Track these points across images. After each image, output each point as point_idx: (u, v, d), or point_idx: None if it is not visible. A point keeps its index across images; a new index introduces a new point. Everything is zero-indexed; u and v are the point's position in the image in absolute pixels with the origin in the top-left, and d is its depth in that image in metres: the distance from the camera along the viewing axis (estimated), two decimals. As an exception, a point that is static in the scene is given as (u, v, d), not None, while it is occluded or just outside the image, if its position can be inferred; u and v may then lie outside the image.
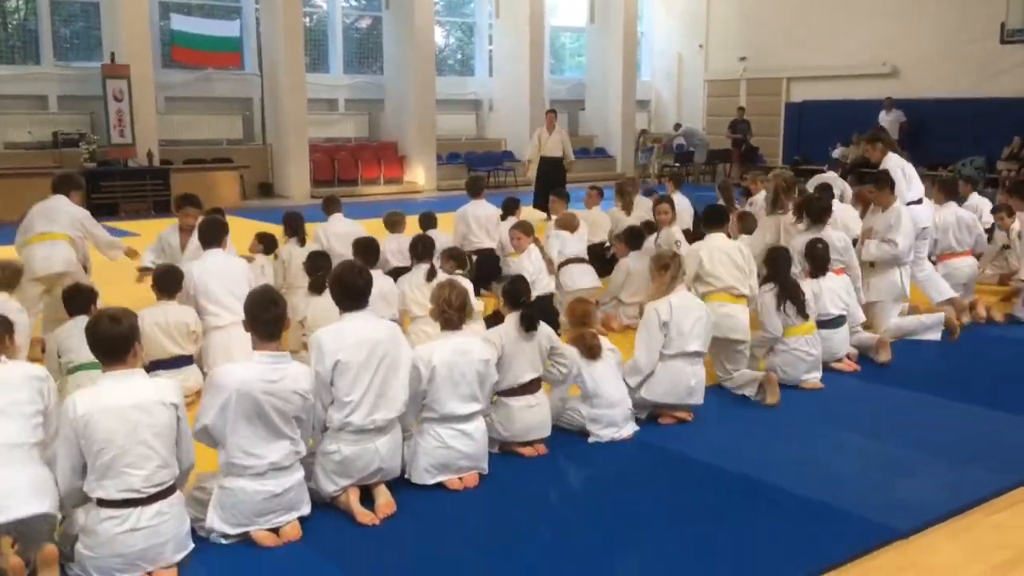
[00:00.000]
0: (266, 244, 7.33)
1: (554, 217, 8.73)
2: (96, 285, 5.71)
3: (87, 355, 4.80)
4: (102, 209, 13.90)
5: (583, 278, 7.52)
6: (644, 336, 5.14)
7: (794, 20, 20.46)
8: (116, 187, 14.40)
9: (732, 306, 5.81)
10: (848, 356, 6.25)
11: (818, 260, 6.20)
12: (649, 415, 5.17)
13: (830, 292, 6.15)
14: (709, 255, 5.97)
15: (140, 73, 15.02)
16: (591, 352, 4.89)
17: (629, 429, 4.92)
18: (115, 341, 3.46)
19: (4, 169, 14.03)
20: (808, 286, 6.00)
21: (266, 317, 3.77)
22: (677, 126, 21.58)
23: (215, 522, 3.70)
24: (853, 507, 4.03)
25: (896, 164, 7.49)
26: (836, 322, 6.16)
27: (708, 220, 6.40)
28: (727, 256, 5.98)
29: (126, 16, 14.97)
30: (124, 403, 3.38)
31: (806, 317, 5.81)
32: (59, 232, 6.67)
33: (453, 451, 4.26)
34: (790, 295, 5.75)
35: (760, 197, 8.60)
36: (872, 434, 5.03)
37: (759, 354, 5.92)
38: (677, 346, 5.10)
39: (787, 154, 21.42)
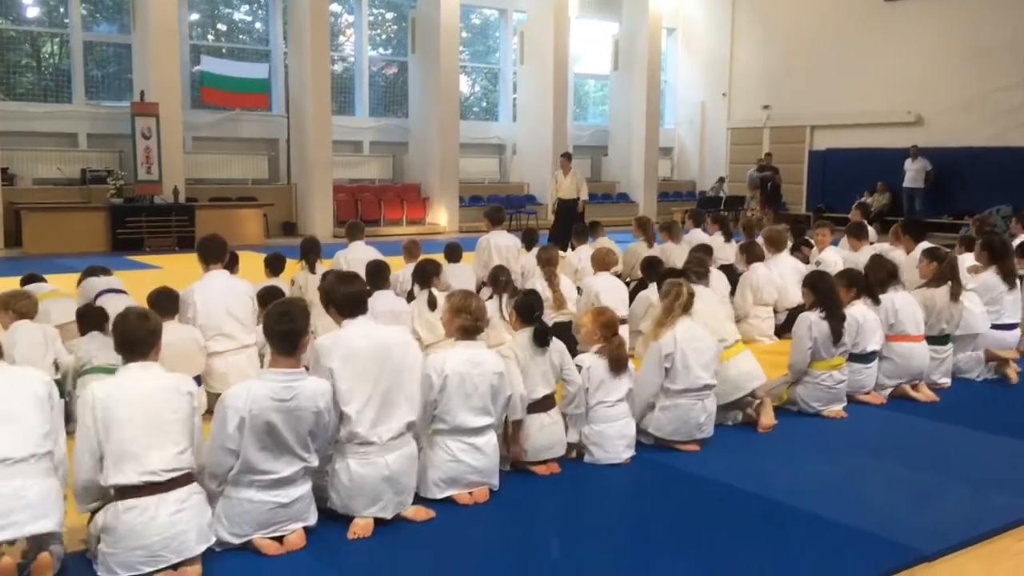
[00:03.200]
0: (274, 267, 7.31)
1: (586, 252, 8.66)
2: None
3: (103, 359, 4.97)
4: (127, 244, 14.11)
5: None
6: (643, 370, 4.98)
7: (817, 68, 20.55)
8: (141, 223, 14.54)
9: (738, 357, 5.41)
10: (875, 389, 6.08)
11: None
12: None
13: (874, 324, 5.94)
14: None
15: (169, 112, 15.27)
16: (619, 365, 4.71)
17: (627, 453, 4.75)
18: (142, 336, 3.53)
19: (33, 203, 14.26)
20: (855, 314, 5.79)
21: (279, 330, 3.67)
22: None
23: (220, 532, 3.59)
24: (876, 529, 3.87)
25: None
26: (869, 357, 5.96)
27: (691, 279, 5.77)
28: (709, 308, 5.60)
29: (157, 58, 15.26)
30: (142, 389, 3.41)
31: (838, 342, 5.60)
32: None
33: (463, 465, 4.15)
34: (832, 325, 5.55)
35: (830, 254, 8.47)
36: (897, 460, 4.87)
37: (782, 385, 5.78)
38: (684, 382, 4.93)
39: (810, 202, 21.38)
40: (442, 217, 18.72)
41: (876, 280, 6.21)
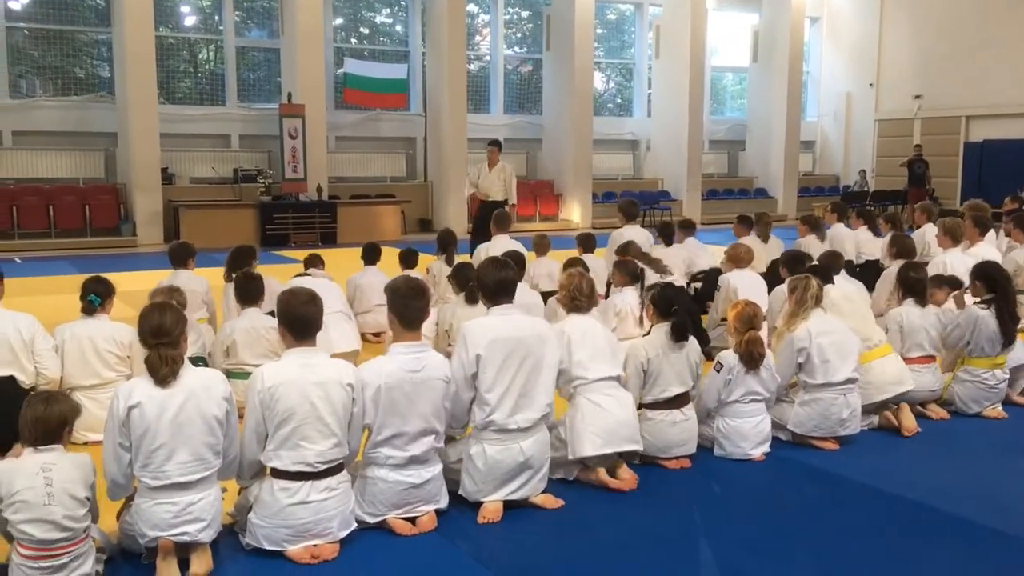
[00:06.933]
0: (408, 261, 7.49)
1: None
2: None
3: (246, 358, 5.23)
4: (274, 239, 14.76)
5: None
6: (777, 363, 4.80)
7: (973, 54, 19.39)
8: (288, 219, 15.19)
9: (883, 359, 5.15)
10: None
11: None
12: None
13: None
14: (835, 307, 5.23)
15: (314, 114, 15.91)
16: (752, 362, 4.60)
17: (760, 450, 4.64)
18: (308, 319, 3.61)
19: (190, 201, 15.13)
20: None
21: (414, 306, 3.78)
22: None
23: (356, 511, 3.71)
24: (1028, 534, 3.65)
25: None
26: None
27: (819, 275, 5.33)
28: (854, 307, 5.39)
29: (304, 61, 15.93)
30: (306, 379, 3.50)
31: (1010, 344, 5.33)
32: None
33: (608, 414, 4.20)
34: (1004, 317, 5.27)
35: (984, 249, 7.86)
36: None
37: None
38: (823, 376, 4.77)
39: (965, 197, 20.16)
40: (575, 213, 18.74)
41: None
